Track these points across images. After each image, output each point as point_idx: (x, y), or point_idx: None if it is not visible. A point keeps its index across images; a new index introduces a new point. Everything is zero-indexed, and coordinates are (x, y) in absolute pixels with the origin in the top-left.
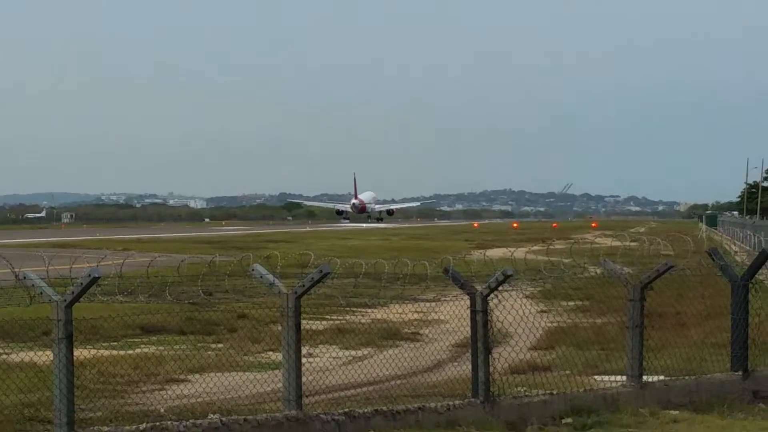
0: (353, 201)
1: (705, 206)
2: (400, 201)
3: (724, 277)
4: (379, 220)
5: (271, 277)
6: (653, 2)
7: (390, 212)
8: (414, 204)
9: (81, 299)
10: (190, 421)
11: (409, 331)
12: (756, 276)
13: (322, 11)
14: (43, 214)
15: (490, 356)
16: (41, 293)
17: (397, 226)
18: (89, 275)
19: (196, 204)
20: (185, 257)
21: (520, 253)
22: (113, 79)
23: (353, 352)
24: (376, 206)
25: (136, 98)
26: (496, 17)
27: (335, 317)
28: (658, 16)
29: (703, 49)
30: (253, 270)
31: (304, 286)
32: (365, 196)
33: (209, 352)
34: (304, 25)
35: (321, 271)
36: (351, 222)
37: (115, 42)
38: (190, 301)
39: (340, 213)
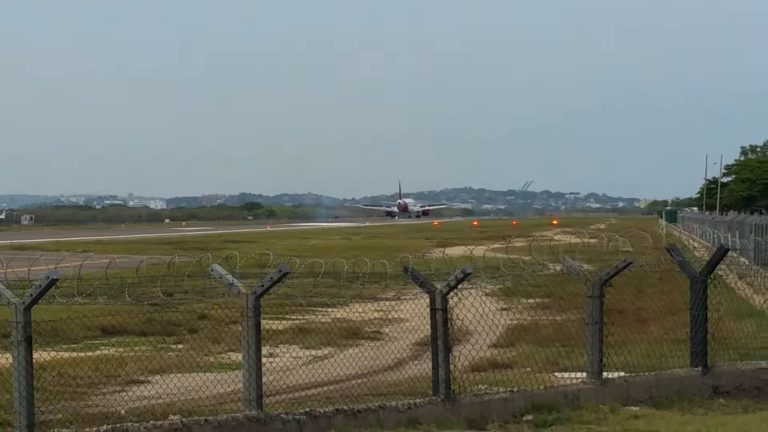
0: (398, 202)
1: (665, 202)
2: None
3: (683, 273)
4: (418, 217)
5: (230, 278)
6: (613, 2)
7: (426, 212)
8: (442, 205)
9: (40, 301)
10: (151, 422)
11: (370, 330)
12: (715, 271)
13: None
14: (2, 216)
15: (450, 354)
16: None
17: (358, 225)
18: (48, 277)
19: (157, 205)
20: (144, 258)
21: (479, 251)
22: (73, 79)
23: (314, 352)
24: (415, 208)
25: (95, 99)
26: (444, 15)
27: (296, 317)
28: (618, 16)
29: (661, 47)
30: (212, 270)
31: (263, 286)
32: (407, 200)
33: (170, 353)
34: (266, 23)
35: (280, 271)
36: (399, 218)
37: (66, 41)
38: (151, 302)
39: (389, 213)
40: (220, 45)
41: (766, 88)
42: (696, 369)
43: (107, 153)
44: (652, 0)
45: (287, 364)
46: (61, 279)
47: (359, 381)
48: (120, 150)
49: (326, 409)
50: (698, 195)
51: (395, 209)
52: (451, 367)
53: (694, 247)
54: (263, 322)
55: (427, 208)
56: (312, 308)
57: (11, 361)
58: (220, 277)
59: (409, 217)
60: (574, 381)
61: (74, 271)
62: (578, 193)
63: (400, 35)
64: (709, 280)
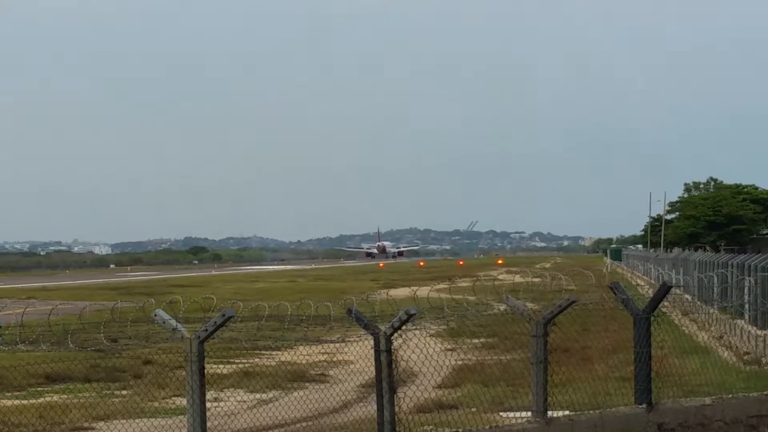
0: (378, 244)
1: (609, 240)
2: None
3: (626, 311)
4: (394, 257)
5: (173, 322)
6: (551, 33)
7: (401, 253)
8: (415, 246)
9: None
10: None
11: (316, 373)
12: (659, 308)
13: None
14: None
15: (395, 395)
16: None
17: (304, 267)
18: None
19: (102, 250)
20: (87, 304)
21: (423, 291)
22: (9, 119)
23: (260, 395)
24: (392, 249)
25: (38, 141)
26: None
27: (242, 360)
28: (558, 54)
29: (604, 86)
30: (155, 315)
31: (207, 330)
32: (385, 242)
33: (115, 399)
34: (201, 64)
35: (224, 315)
36: (376, 260)
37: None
38: (95, 348)
39: (369, 254)
40: (159, 80)
41: (709, 125)
42: (641, 406)
43: (51, 198)
44: (597, 39)
45: (232, 409)
46: (4, 326)
47: (305, 424)
48: (64, 195)
49: None
50: (643, 232)
51: (375, 251)
52: (397, 408)
53: (639, 285)
54: (208, 366)
55: (402, 249)
56: (257, 351)
57: None
58: (164, 322)
59: (386, 258)
60: (520, 420)
61: (17, 318)
62: (523, 233)
63: (351, 71)
64: (652, 318)
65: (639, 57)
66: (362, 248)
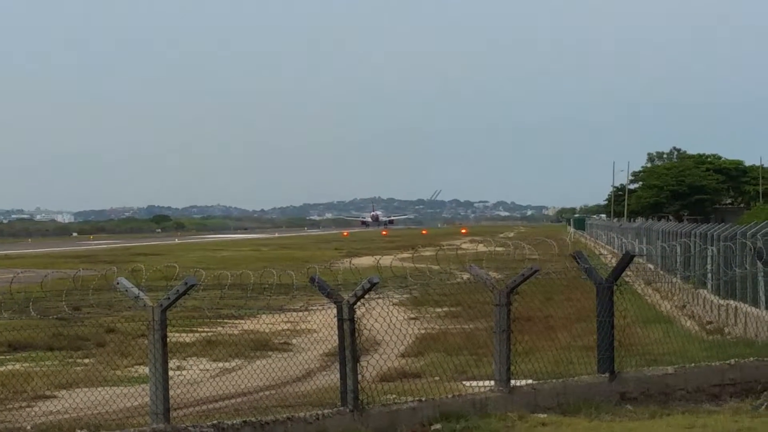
0: (372, 213)
1: (573, 210)
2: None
3: (589, 280)
4: (385, 225)
5: (135, 291)
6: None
7: (391, 221)
8: (407, 215)
9: None
10: None
11: (279, 342)
12: (622, 278)
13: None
14: None
15: (358, 364)
16: None
17: (268, 236)
18: None
19: (64, 218)
20: (50, 272)
21: (386, 260)
22: None
23: (223, 364)
24: (383, 218)
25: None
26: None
27: (205, 329)
28: (519, 16)
29: (569, 54)
30: (117, 283)
31: (169, 298)
32: (378, 212)
33: (77, 368)
34: (176, 35)
35: (186, 283)
36: (369, 228)
37: None
38: (57, 316)
39: (364, 222)
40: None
41: (672, 95)
42: (603, 375)
43: (12, 166)
44: (563, 11)
45: (195, 377)
46: None
47: (268, 393)
48: (23, 163)
49: (234, 422)
50: (606, 202)
51: (369, 219)
52: (360, 377)
53: (602, 254)
54: (171, 335)
55: (392, 218)
56: (220, 320)
57: None
58: (126, 291)
59: (378, 226)
60: (483, 389)
61: None
62: (487, 202)
63: (325, 47)
64: (615, 287)
65: (613, 21)
66: (358, 218)
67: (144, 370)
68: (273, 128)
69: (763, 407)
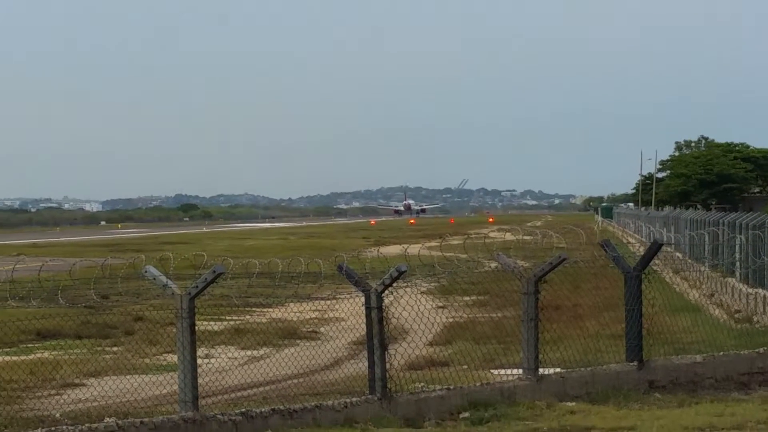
0: (405, 202)
1: (600, 198)
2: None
3: (617, 269)
4: (418, 214)
5: (164, 279)
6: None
7: (423, 210)
8: (437, 204)
9: None
10: (86, 425)
11: (307, 330)
12: (650, 266)
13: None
14: None
15: (386, 353)
16: None
17: (295, 225)
18: None
19: (92, 207)
20: (78, 260)
21: (414, 249)
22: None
23: (251, 352)
24: (416, 207)
25: (29, 101)
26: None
27: (233, 318)
28: (546, 5)
29: (598, 46)
30: (146, 272)
31: (197, 287)
32: (410, 201)
33: (106, 356)
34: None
35: (214, 272)
36: (402, 216)
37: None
38: (86, 304)
39: (397, 211)
40: (167, 41)
41: (700, 84)
42: (632, 364)
43: (42, 155)
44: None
45: (224, 365)
46: None
47: (296, 381)
48: (54, 152)
49: (262, 410)
50: (634, 191)
51: (402, 208)
52: (388, 365)
53: (630, 243)
54: (200, 323)
55: (424, 207)
56: (249, 309)
57: None
58: (154, 279)
59: (411, 215)
60: (511, 378)
61: (7, 275)
62: (514, 191)
63: (350, 33)
64: (643, 276)
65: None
66: (388, 207)
67: (172, 358)
68: (300, 117)
69: None
